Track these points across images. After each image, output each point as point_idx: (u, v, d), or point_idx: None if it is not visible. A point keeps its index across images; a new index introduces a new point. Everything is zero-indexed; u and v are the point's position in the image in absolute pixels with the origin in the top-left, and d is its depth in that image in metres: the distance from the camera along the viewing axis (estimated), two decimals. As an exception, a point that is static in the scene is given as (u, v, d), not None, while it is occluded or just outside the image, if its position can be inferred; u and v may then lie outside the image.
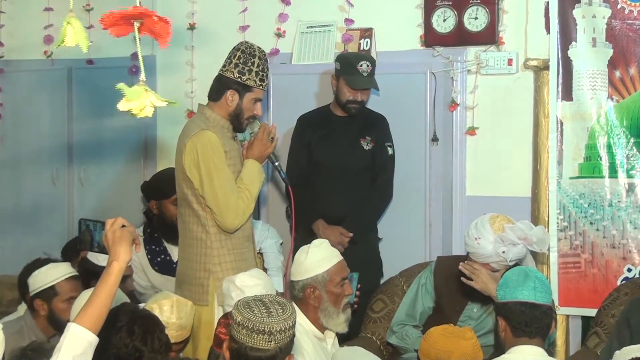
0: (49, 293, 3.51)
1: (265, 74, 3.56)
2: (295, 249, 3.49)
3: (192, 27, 5.11)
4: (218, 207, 3.45)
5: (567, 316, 4.32)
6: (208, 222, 3.51)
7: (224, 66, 3.56)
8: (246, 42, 3.64)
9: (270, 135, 3.64)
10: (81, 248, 4.50)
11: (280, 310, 2.40)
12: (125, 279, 3.93)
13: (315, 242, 3.40)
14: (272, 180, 4.81)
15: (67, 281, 3.54)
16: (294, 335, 2.45)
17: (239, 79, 3.51)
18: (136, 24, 1.50)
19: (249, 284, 3.07)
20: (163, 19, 1.51)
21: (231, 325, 2.44)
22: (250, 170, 3.57)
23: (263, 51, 3.61)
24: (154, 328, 2.82)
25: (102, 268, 2.34)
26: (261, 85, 3.56)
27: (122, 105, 1.52)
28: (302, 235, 4.24)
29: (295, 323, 2.44)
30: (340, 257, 3.37)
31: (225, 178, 3.46)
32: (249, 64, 3.51)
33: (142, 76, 1.57)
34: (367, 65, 4.26)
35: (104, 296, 2.25)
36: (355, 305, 3.68)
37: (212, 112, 3.55)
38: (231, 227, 3.49)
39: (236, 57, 3.53)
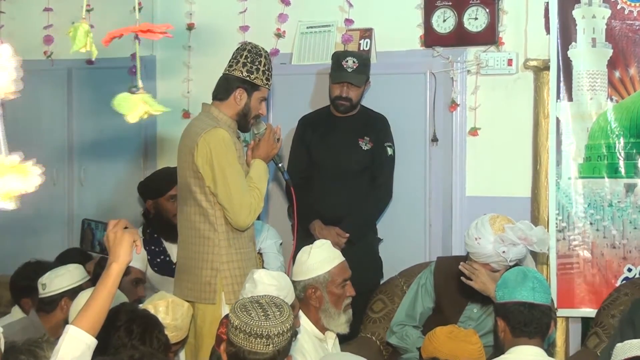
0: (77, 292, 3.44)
1: (270, 74, 3.60)
2: (296, 250, 3.49)
3: (190, 28, 5.10)
4: (231, 205, 3.44)
5: (567, 316, 4.31)
6: (217, 221, 3.49)
7: (231, 66, 3.58)
8: (250, 42, 3.69)
9: (276, 136, 3.67)
10: (84, 248, 4.50)
11: (278, 313, 2.39)
12: (137, 284, 3.91)
13: (317, 242, 3.39)
14: (274, 180, 4.81)
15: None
16: (292, 337, 2.44)
17: (247, 78, 3.54)
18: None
19: (265, 281, 2.98)
20: (161, 27, 1.51)
21: (228, 329, 2.43)
22: (258, 170, 3.59)
23: (267, 51, 3.65)
24: (153, 328, 2.81)
25: None
26: (267, 84, 3.59)
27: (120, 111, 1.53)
28: (302, 235, 4.24)
29: (293, 324, 2.43)
30: (342, 258, 3.38)
31: (238, 176, 3.47)
32: (257, 63, 3.54)
33: (140, 83, 1.56)
34: (353, 62, 4.25)
35: (103, 298, 2.23)
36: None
37: (219, 112, 3.56)
38: (243, 225, 3.48)
39: (243, 57, 3.55)
